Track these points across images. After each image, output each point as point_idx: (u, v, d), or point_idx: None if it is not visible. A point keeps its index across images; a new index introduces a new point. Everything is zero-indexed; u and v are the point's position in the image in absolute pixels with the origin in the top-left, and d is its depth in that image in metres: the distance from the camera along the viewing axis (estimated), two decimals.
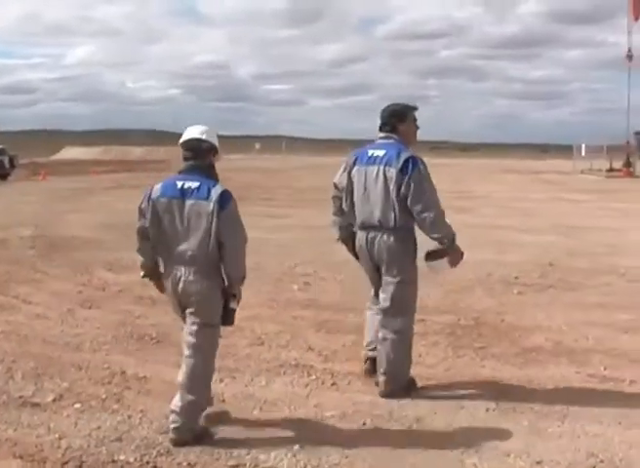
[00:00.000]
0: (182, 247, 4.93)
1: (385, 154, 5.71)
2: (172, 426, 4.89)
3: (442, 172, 32.95)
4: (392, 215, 5.68)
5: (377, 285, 5.99)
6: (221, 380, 6.11)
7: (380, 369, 5.84)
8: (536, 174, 48.91)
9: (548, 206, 23.74)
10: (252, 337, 7.47)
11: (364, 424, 5.27)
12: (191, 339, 4.97)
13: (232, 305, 5.01)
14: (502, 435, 5.09)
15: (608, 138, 48.52)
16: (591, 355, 6.95)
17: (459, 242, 5.80)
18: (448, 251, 5.73)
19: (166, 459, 4.68)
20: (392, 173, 5.62)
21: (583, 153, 50.13)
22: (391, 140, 5.80)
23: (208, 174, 5.02)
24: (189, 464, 4.62)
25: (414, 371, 6.12)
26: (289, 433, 5.08)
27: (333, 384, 6.12)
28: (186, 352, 4.99)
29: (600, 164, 47.79)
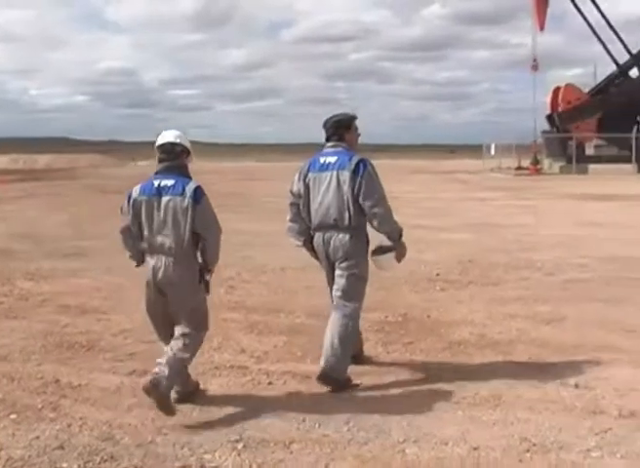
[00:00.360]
0: (161, 239, 5.48)
1: (337, 160, 6.17)
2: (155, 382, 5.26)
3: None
4: (347, 215, 6.08)
5: (332, 285, 6.39)
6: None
7: (323, 357, 6.07)
8: (447, 173, 49.87)
9: (461, 204, 24.32)
10: None
11: (303, 421, 5.37)
12: (185, 329, 5.61)
13: (207, 277, 5.68)
14: (439, 424, 5.26)
15: (516, 138, 49.87)
16: (515, 346, 7.22)
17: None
18: (395, 246, 6.18)
19: (110, 465, 4.69)
20: (346, 175, 6.07)
21: (493, 152, 51.42)
22: (340, 148, 6.26)
23: (182, 173, 5.60)
24: None
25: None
26: (231, 432, 5.15)
27: (269, 384, 6.21)
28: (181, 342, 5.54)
29: (509, 162, 49.13)
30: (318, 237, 6.31)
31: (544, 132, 49.78)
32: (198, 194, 5.47)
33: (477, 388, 5.99)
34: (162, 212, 5.49)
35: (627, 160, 47.17)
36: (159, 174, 5.60)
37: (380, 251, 6.23)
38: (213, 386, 6.12)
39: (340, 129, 6.30)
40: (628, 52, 48.62)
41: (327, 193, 6.16)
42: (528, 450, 4.81)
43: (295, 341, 7.49)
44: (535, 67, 48.24)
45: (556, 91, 48.66)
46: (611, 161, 47.28)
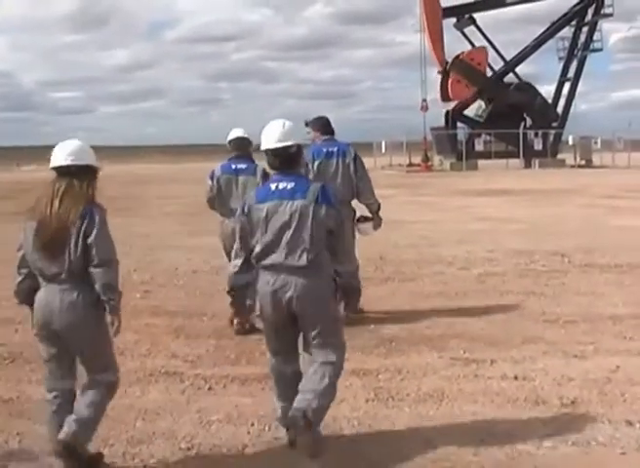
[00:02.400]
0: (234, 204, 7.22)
1: (339, 149, 8.12)
2: None
3: None
4: (351, 189, 8.07)
5: None
6: None
7: None
8: None
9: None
10: None
11: (252, 425, 5.30)
12: None
13: None
14: (389, 422, 5.29)
15: (406, 135, 50.68)
16: (447, 340, 7.33)
17: None
18: (373, 216, 8.20)
19: None
20: (349, 160, 8.11)
21: (384, 150, 52.09)
22: (334, 140, 8.24)
23: (251, 158, 8.08)
24: None
25: None
26: (181, 440, 5.04)
27: (209, 389, 6.11)
28: None
29: (400, 160, 49.90)
30: None
31: (434, 128, 50.79)
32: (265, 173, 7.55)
33: (419, 384, 6.05)
34: (240, 187, 7.92)
35: (515, 155, 48.64)
36: (234, 159, 8.08)
37: (362, 220, 8.18)
38: (152, 394, 5.98)
39: (330, 126, 8.28)
40: (503, 59, 50.35)
41: (337, 173, 8.06)
42: (482, 440, 4.88)
43: (225, 344, 7.40)
44: (424, 108, 49.32)
45: (444, 82, 49.60)
46: (500, 156, 48.68)
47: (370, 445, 4.93)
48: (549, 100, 51.15)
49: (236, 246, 5.01)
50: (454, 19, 49.47)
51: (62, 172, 4.55)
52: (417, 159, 50.53)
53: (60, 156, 4.57)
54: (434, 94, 49.89)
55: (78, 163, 4.56)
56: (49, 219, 4.45)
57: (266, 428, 5.23)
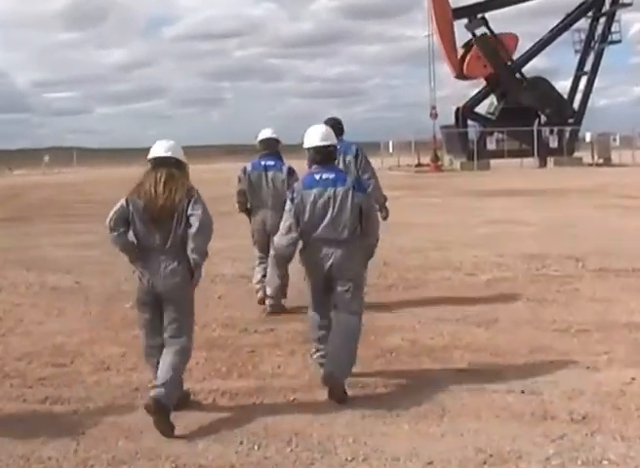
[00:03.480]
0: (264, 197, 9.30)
1: (340, 148, 8.08)
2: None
3: None
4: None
5: None
6: (75, 412, 5.87)
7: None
8: None
9: None
10: (95, 362, 7.23)
11: (241, 443, 5.22)
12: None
13: None
14: (386, 440, 5.20)
15: (414, 134, 50.68)
16: (451, 351, 7.25)
17: None
18: (380, 208, 8.56)
19: None
20: (350, 158, 8.82)
21: (391, 150, 52.06)
22: (340, 140, 8.20)
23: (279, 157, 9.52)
24: None
25: (278, 382, 6.24)
26: (165, 460, 4.95)
27: (197, 404, 6.03)
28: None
29: (408, 160, 49.85)
30: None
31: (444, 127, 50.76)
32: (291, 171, 9.26)
33: (419, 399, 5.95)
34: (269, 181, 9.35)
35: (529, 154, 48.55)
36: (263, 156, 9.47)
37: None
38: (137, 411, 5.88)
39: (341, 125, 8.87)
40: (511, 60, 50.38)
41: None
42: (485, 462, 4.79)
43: (216, 356, 7.32)
44: (434, 115, 49.43)
45: (464, 55, 49.56)
46: (513, 155, 48.60)
47: (366, 465, 4.83)
48: (565, 96, 51.09)
49: (287, 223, 6.50)
50: (464, 21, 49.45)
51: (160, 162, 5.93)
52: (426, 159, 50.53)
53: (160, 149, 5.98)
54: (445, 90, 50.03)
55: (175, 156, 5.97)
56: (154, 200, 5.76)
57: (255, 447, 5.14)
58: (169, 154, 5.95)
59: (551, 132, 50.15)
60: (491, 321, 8.38)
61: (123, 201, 5.93)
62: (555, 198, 24.68)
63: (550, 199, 24.40)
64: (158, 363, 5.82)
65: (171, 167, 5.91)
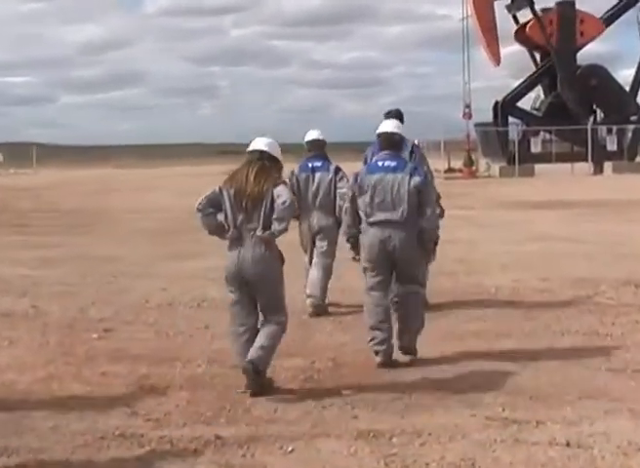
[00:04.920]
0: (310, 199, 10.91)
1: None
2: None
3: None
4: None
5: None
6: (25, 466, 5.88)
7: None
8: None
9: None
10: (52, 404, 7.24)
11: None
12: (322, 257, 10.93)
13: None
14: None
15: (444, 133, 50.78)
16: (483, 394, 7.26)
17: None
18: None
19: None
20: (404, 153, 9.57)
21: None
22: None
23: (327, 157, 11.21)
24: None
25: (274, 429, 6.28)
26: None
27: (175, 456, 6.06)
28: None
29: (437, 163, 49.87)
30: None
31: (479, 125, 50.87)
32: (337, 169, 10.99)
33: (443, 451, 5.97)
34: (316, 182, 10.96)
35: (582, 158, 48.53)
36: (311, 158, 11.07)
37: None
38: (100, 464, 5.90)
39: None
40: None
41: None
42: None
43: (200, 398, 7.35)
44: (468, 115, 49.63)
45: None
46: (562, 159, 48.62)
47: None
48: (627, 88, 51.08)
49: (348, 205, 8.72)
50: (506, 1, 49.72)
51: (257, 156, 7.66)
52: (457, 163, 50.59)
53: (261, 143, 7.72)
54: (481, 81, 50.27)
55: (271, 152, 7.69)
56: (244, 188, 7.48)
57: None
58: (266, 149, 7.68)
59: (609, 131, 50.24)
60: (531, 358, 8.39)
61: (216, 188, 7.67)
62: (613, 211, 24.72)
63: (607, 212, 24.44)
64: (243, 345, 7.56)
65: (265, 160, 7.62)
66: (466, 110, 49.88)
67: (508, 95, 51.03)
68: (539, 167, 48.10)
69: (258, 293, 7.60)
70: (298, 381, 7.79)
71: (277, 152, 7.78)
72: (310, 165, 11.03)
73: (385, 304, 8.42)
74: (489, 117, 51.43)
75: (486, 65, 52.03)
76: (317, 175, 10.90)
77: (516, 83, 52.48)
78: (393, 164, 8.40)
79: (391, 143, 8.60)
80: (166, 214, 26.64)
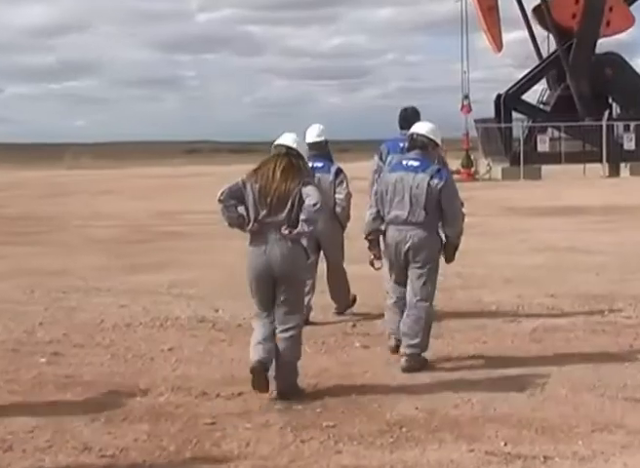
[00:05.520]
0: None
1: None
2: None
3: (208, 183, 33.30)
4: None
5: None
6: None
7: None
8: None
9: None
10: None
11: None
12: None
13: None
14: None
15: (440, 130, 50.74)
16: (482, 426, 7.27)
17: None
18: None
19: None
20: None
21: None
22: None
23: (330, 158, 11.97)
24: None
25: (246, 466, 6.40)
26: None
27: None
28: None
29: None
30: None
31: (480, 121, 50.97)
32: (338, 171, 11.79)
33: None
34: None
35: (596, 158, 48.60)
36: (311, 158, 10.79)
37: None
38: None
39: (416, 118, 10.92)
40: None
41: None
42: None
43: (163, 430, 7.34)
44: (466, 109, 49.72)
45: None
46: (573, 160, 48.68)
47: None
48: None
49: (372, 201, 9.75)
50: None
51: (284, 151, 8.40)
52: (455, 164, 50.58)
53: (290, 139, 8.48)
54: (482, 71, 50.45)
55: (299, 150, 8.49)
56: (271, 184, 8.18)
57: None
58: (294, 146, 8.43)
59: (626, 128, 50.37)
60: (537, 385, 8.40)
61: (239, 180, 8.38)
62: (630, 219, 24.78)
63: (623, 220, 24.51)
64: (262, 340, 8.20)
65: (292, 157, 8.35)
66: (465, 102, 49.96)
67: (512, 87, 51.20)
68: (546, 168, 48.23)
69: (281, 290, 8.24)
70: (273, 411, 7.78)
71: (304, 150, 8.72)
72: (311, 164, 11.01)
73: (401, 303, 9.42)
74: (490, 112, 51.60)
75: (487, 53, 52.18)
76: (317, 175, 11.14)
77: (521, 74, 52.66)
78: (416, 164, 9.25)
79: (419, 145, 9.37)
80: (125, 221, 26.62)
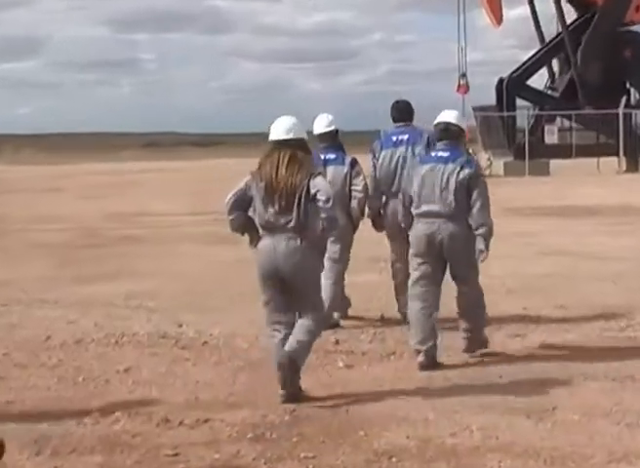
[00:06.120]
0: None
1: (410, 137, 12.07)
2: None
3: (169, 180, 33.36)
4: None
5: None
6: None
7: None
8: None
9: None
10: None
11: None
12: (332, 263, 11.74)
13: None
14: None
15: (432, 118, 50.79)
16: (483, 456, 7.27)
17: None
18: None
19: None
20: (420, 148, 11.83)
21: None
22: (410, 127, 12.32)
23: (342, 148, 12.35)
24: None
25: None
26: None
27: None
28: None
29: None
30: (395, 203, 11.67)
31: (479, 109, 51.03)
32: (353, 162, 12.23)
33: None
34: (329, 176, 11.43)
35: (612, 151, 48.62)
36: (322, 149, 12.08)
37: None
38: None
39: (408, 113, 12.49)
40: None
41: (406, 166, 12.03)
42: None
43: (118, 462, 7.34)
44: (464, 88, 49.75)
45: None
46: (585, 153, 48.72)
47: None
48: None
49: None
50: None
51: (283, 145, 8.85)
52: None
53: (281, 131, 8.92)
54: (481, 52, 50.58)
55: (297, 137, 8.91)
56: (276, 182, 8.68)
57: None
58: (290, 136, 8.88)
59: None
60: (546, 410, 8.40)
61: (243, 184, 8.97)
62: None
63: None
64: (280, 342, 8.83)
65: (293, 148, 8.83)
66: (462, 82, 49.93)
67: (516, 70, 51.28)
68: (555, 163, 48.31)
69: (293, 289, 8.88)
70: (245, 440, 7.78)
71: (304, 133, 9.18)
72: (323, 157, 11.97)
73: (430, 300, 10.22)
74: (491, 99, 51.69)
75: (487, 32, 52.60)
76: (330, 168, 11.86)
77: (526, 55, 52.74)
78: (446, 154, 10.23)
79: (448, 134, 10.37)
80: (74, 224, 26.57)
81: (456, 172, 10.05)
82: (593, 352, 10.52)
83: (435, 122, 10.52)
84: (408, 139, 12.12)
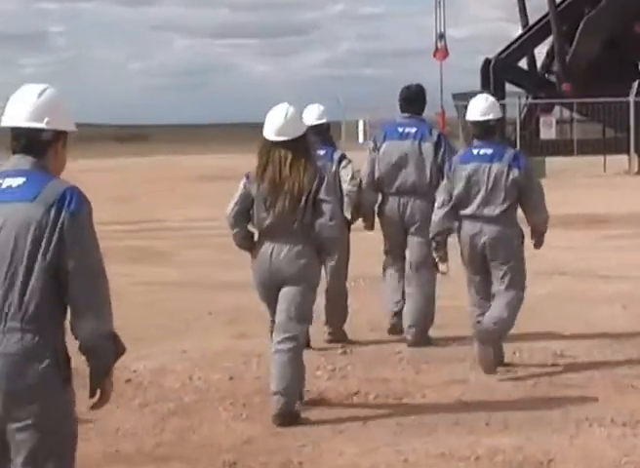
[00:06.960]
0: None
1: (418, 130, 12.89)
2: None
3: (83, 183, 33.25)
4: (426, 178, 12.77)
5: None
6: None
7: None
8: None
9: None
10: None
11: None
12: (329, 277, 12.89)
13: None
14: None
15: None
16: None
17: None
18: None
19: None
20: (429, 144, 12.75)
21: (361, 136, 52.03)
22: (418, 119, 13.19)
23: (332, 143, 13.74)
24: None
25: None
26: None
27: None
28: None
29: None
30: (393, 201, 12.92)
31: (460, 95, 51.06)
32: (341, 158, 13.02)
33: None
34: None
35: (621, 147, 48.66)
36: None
37: None
38: None
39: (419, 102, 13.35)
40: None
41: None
42: None
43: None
44: (442, 52, 49.75)
45: None
46: (589, 150, 48.78)
47: None
48: None
49: (441, 198, 11.61)
50: None
51: (282, 145, 9.44)
52: None
53: (276, 128, 9.53)
54: (465, 28, 50.83)
55: (296, 135, 9.57)
56: (279, 184, 9.33)
57: None
58: (295, 136, 9.53)
59: None
60: (540, 465, 8.44)
61: (242, 189, 9.70)
62: None
63: None
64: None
65: (294, 146, 9.47)
66: (439, 45, 49.82)
67: (505, 49, 51.33)
68: (552, 161, 48.22)
69: (289, 293, 9.53)
70: None
71: (302, 128, 9.82)
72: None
73: (484, 307, 11.52)
74: (475, 84, 51.72)
75: (470, 4, 52.29)
76: (318, 163, 12.01)
77: (518, 31, 52.84)
78: (490, 152, 11.28)
79: (484, 131, 11.45)
80: None
81: (504, 172, 11.07)
82: (599, 393, 10.53)
83: (467, 119, 11.74)
84: (415, 133, 12.90)
